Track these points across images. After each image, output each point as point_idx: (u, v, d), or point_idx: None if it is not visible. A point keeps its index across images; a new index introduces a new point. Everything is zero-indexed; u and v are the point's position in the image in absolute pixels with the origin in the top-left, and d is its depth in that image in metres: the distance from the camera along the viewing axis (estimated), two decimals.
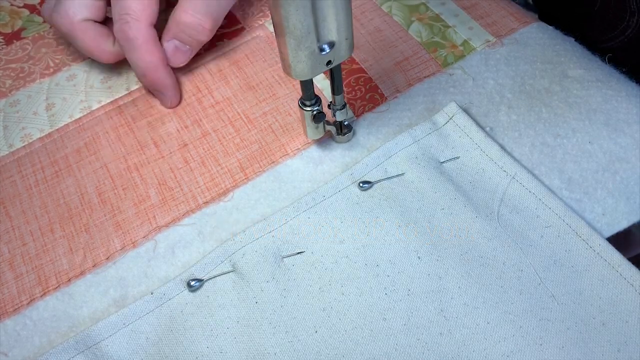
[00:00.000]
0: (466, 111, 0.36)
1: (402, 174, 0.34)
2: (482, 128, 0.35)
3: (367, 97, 0.38)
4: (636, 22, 0.39)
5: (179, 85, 0.40)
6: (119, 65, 0.43)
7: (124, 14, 0.36)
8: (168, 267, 0.33)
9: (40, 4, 0.48)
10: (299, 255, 0.32)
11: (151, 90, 0.39)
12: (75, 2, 0.38)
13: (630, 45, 0.40)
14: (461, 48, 0.40)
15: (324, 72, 0.36)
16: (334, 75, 0.31)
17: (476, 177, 0.33)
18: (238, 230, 0.33)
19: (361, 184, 0.33)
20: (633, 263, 0.29)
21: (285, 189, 0.35)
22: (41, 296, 0.32)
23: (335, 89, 0.32)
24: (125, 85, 0.41)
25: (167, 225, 0.34)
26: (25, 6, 0.48)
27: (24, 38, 0.46)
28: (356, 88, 0.39)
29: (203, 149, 0.37)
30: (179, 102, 0.40)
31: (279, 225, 0.32)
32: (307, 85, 0.32)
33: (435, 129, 0.35)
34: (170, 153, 0.37)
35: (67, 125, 0.40)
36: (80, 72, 0.43)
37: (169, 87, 0.39)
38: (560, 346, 0.28)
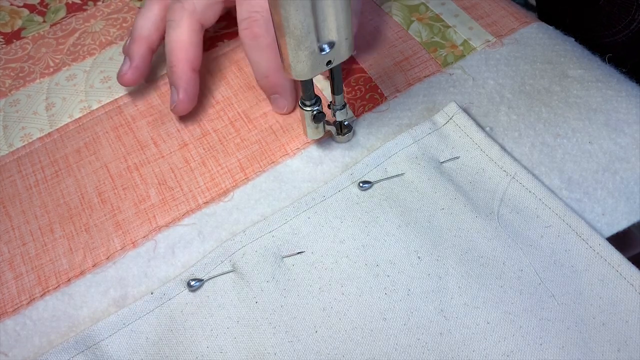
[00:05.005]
0: (466, 111, 0.36)
1: (402, 174, 0.34)
2: (482, 128, 0.35)
3: (367, 97, 0.38)
4: None
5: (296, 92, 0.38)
6: (118, 64, 0.43)
7: (254, 12, 0.35)
8: (168, 267, 0.33)
9: (40, 3, 0.48)
10: (299, 255, 0.32)
11: (268, 93, 0.37)
12: None
13: (635, 40, 0.40)
14: (461, 48, 0.40)
15: (324, 72, 0.36)
16: (334, 75, 0.31)
17: (476, 177, 0.33)
18: (238, 230, 0.33)
19: (361, 184, 0.33)
20: (633, 263, 0.29)
21: (285, 189, 0.35)
22: (41, 296, 0.32)
23: (335, 89, 0.32)
24: None
25: (167, 225, 0.34)
26: (25, 6, 0.48)
27: (24, 38, 0.46)
28: (356, 88, 0.39)
29: (203, 148, 0.37)
30: (294, 108, 0.38)
31: (279, 225, 0.32)
32: (307, 85, 0.32)
33: (435, 129, 0.35)
34: (171, 153, 0.37)
35: (67, 125, 0.40)
36: (80, 72, 0.43)
37: (289, 90, 0.37)
38: (560, 346, 0.28)
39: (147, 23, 0.38)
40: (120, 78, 0.38)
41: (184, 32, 0.37)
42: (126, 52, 0.39)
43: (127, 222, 0.35)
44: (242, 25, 0.36)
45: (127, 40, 0.39)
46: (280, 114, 0.38)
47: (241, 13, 0.36)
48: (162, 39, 0.39)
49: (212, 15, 0.38)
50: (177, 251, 0.33)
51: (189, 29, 0.37)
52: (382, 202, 0.33)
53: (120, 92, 0.41)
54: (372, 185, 0.33)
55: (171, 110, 0.38)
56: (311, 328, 0.29)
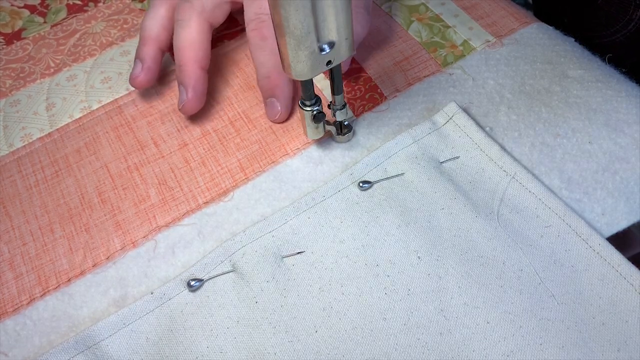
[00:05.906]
0: (466, 111, 0.36)
1: (402, 174, 0.34)
2: (482, 128, 0.35)
3: (366, 96, 0.38)
4: None
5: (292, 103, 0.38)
6: (119, 65, 0.43)
7: (261, 14, 0.35)
8: (168, 267, 0.33)
9: (41, 4, 0.48)
10: (299, 255, 0.32)
11: (266, 95, 0.37)
12: None
13: (633, 40, 0.40)
14: (461, 48, 0.40)
15: (324, 72, 0.36)
16: (334, 75, 0.31)
17: (476, 177, 0.33)
18: (238, 230, 0.33)
19: (361, 184, 0.33)
20: (633, 263, 0.29)
21: (285, 189, 0.35)
22: (41, 296, 0.32)
23: (335, 89, 0.32)
24: (125, 85, 0.41)
25: (167, 225, 0.34)
26: (26, 6, 0.49)
27: (25, 38, 0.46)
28: (356, 88, 0.39)
29: (203, 148, 0.37)
30: (288, 118, 0.37)
31: (279, 225, 0.32)
32: (307, 85, 0.32)
33: (435, 129, 0.35)
34: (171, 153, 0.37)
35: (67, 125, 0.40)
36: (80, 72, 0.43)
37: (286, 96, 0.37)
38: (560, 346, 0.28)
39: (154, 24, 0.38)
40: (132, 81, 0.38)
41: (192, 31, 0.37)
42: (137, 54, 0.39)
43: (127, 222, 0.35)
44: (250, 26, 0.36)
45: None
46: (272, 121, 0.38)
47: (249, 14, 0.36)
48: (170, 39, 0.39)
49: (220, 15, 0.38)
50: (177, 251, 0.33)
51: (198, 29, 0.37)
52: (382, 202, 0.33)
53: (120, 92, 0.41)
54: (372, 185, 0.33)
55: (179, 109, 0.37)
56: (311, 328, 0.29)
